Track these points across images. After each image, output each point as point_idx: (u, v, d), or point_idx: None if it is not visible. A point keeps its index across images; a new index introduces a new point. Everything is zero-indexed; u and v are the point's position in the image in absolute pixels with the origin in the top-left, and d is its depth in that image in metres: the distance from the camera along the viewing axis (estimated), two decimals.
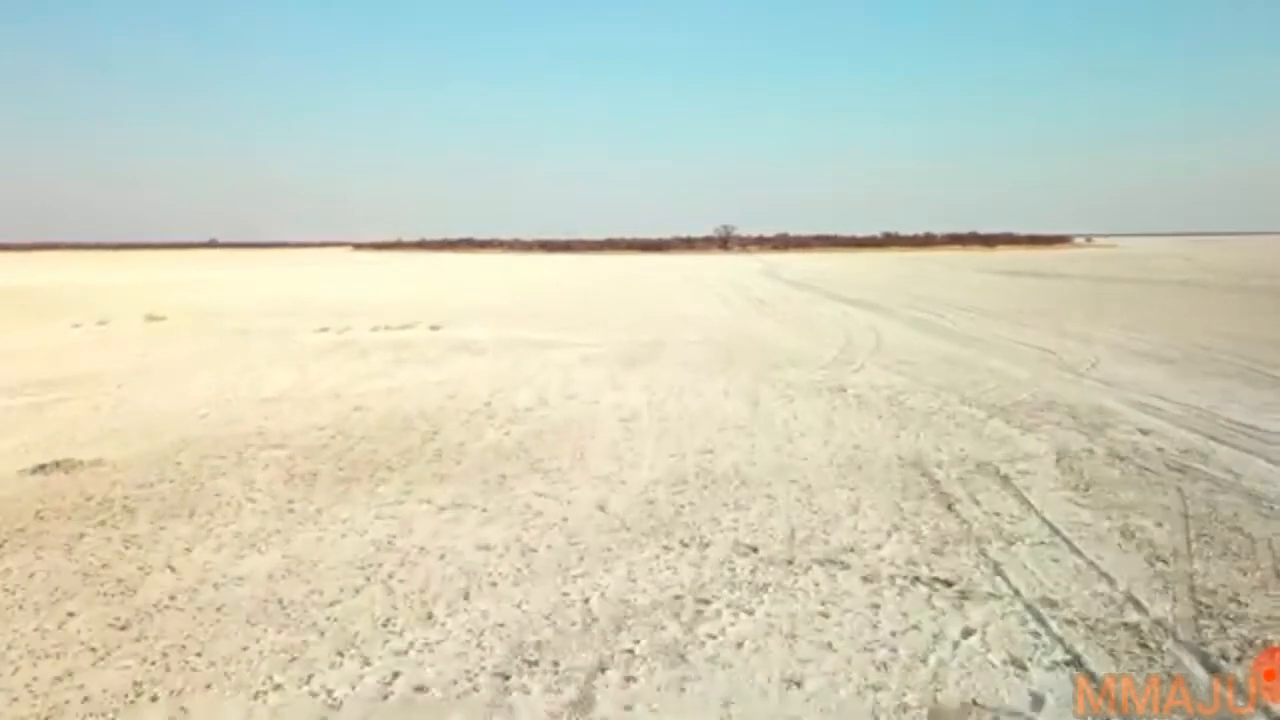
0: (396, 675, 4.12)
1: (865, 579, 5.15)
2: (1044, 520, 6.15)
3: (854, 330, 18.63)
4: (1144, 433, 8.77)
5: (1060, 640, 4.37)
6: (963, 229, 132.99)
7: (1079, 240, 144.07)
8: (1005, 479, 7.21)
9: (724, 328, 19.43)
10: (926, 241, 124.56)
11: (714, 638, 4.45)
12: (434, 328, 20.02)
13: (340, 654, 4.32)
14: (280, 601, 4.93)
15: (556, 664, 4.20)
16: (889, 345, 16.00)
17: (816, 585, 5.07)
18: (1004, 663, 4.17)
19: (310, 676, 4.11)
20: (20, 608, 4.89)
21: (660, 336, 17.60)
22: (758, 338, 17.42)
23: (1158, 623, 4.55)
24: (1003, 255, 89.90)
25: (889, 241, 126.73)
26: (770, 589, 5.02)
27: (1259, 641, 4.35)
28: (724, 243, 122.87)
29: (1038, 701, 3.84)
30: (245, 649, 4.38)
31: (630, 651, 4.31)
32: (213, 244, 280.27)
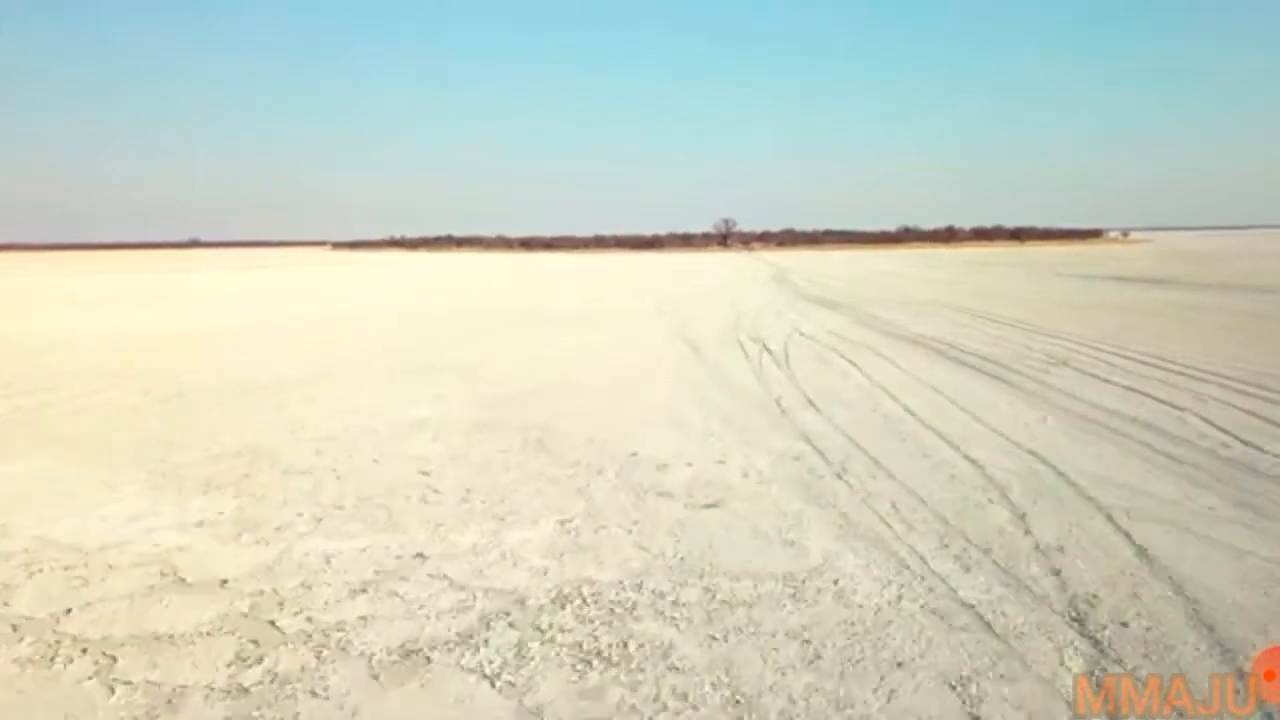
0: None
1: None
2: None
3: (1071, 522, 6.41)
4: None
5: None
6: (983, 222, 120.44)
7: (1114, 234, 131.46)
8: None
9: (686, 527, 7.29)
10: (949, 237, 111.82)
11: None
12: None
13: None
14: None
15: None
16: None
17: None
18: None
19: None
20: None
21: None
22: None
23: None
24: (1046, 252, 77.54)
25: (908, 236, 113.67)
26: None
27: None
28: (724, 239, 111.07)
29: None
30: None
31: None
32: (194, 244, 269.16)
